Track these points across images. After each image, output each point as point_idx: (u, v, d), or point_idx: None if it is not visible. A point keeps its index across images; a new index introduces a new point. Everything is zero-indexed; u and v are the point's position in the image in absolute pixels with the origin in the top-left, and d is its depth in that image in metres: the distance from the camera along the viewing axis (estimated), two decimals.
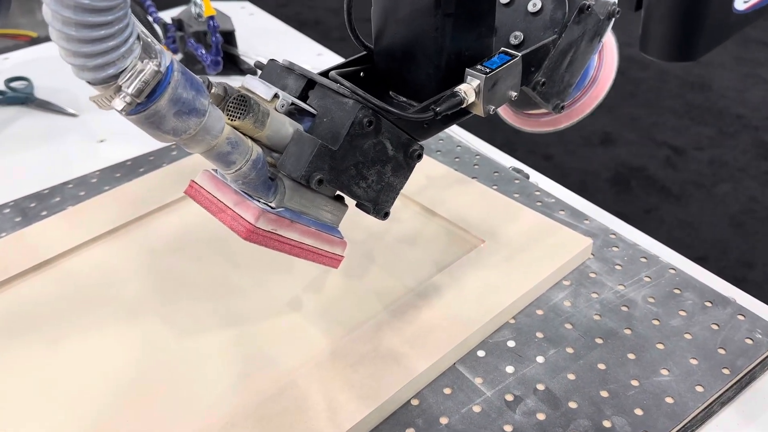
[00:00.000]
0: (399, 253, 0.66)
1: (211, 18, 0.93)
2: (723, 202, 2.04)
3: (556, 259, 0.62)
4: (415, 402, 0.53)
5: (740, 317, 0.58)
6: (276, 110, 0.47)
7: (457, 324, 0.57)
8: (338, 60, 1.09)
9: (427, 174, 0.74)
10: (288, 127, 0.47)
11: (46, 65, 1.11)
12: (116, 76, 0.38)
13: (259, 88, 0.48)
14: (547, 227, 0.66)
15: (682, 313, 0.59)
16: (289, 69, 0.52)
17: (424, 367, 0.53)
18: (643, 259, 0.64)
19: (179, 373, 0.55)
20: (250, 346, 0.57)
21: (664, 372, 0.54)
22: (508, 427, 0.50)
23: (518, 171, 0.78)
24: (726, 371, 0.53)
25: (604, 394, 0.52)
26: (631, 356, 0.55)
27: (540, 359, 0.55)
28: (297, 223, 0.50)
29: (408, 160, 0.52)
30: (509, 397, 0.53)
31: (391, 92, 0.56)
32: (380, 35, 0.54)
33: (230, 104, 0.44)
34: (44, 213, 0.74)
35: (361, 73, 0.56)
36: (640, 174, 2.18)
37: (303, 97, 0.50)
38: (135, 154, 0.85)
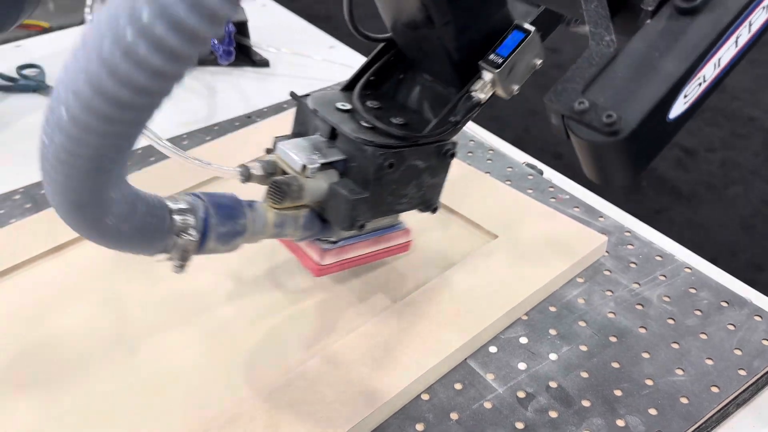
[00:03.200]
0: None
1: None
2: (734, 204, 2.02)
3: (570, 256, 0.61)
4: (425, 397, 0.52)
5: (757, 318, 0.57)
6: (308, 177, 0.50)
7: (468, 319, 0.56)
8: (350, 53, 1.08)
9: None
10: (322, 184, 0.51)
11: (58, 53, 1.11)
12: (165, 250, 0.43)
13: (289, 158, 0.51)
14: (561, 223, 0.66)
15: (697, 312, 0.58)
16: (315, 112, 0.53)
17: (435, 361, 0.52)
18: (658, 258, 0.63)
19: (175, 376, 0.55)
20: (241, 348, 0.57)
21: (679, 372, 0.53)
22: (519, 425, 0.50)
23: (532, 167, 0.77)
24: (742, 372, 0.53)
25: (618, 393, 0.52)
26: (645, 355, 0.54)
27: (553, 356, 0.55)
28: (358, 242, 0.56)
29: (442, 160, 0.53)
30: (521, 394, 0.52)
31: (425, 74, 0.55)
32: (395, 33, 0.54)
33: (269, 191, 0.50)
34: None
35: (392, 58, 0.56)
36: (651, 174, 2.16)
37: (334, 135, 0.52)
38: (146, 142, 0.84)
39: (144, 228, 0.41)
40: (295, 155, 0.50)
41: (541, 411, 0.51)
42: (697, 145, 2.27)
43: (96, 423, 0.50)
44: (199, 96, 0.97)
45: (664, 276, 0.61)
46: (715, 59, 0.37)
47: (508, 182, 0.73)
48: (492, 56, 0.50)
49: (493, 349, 0.56)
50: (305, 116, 0.55)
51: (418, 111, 0.56)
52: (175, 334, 0.57)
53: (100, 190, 0.35)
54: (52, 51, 1.11)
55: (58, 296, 0.61)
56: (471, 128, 0.86)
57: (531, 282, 0.59)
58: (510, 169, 0.76)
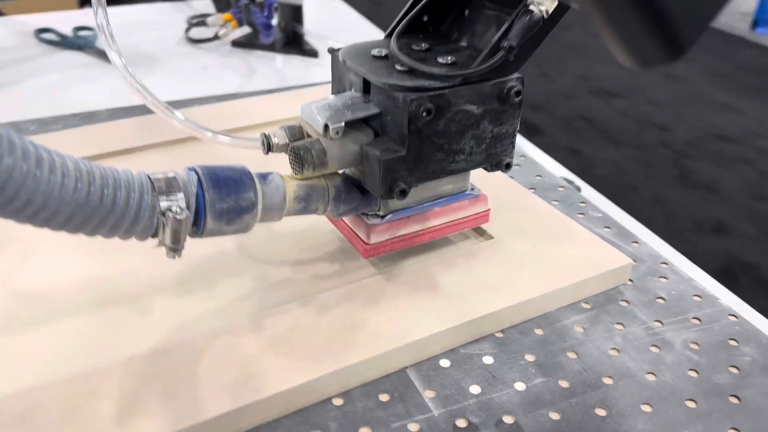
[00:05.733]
0: None
1: None
2: None
3: (578, 274, 0.48)
4: (337, 402, 0.40)
5: None
6: (332, 138, 0.42)
7: (423, 320, 0.43)
8: None
9: None
10: (350, 145, 0.42)
11: (122, 24, 1.09)
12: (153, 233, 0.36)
13: (313, 119, 0.42)
14: (577, 235, 0.52)
15: (732, 369, 0.43)
16: (344, 63, 0.44)
17: (357, 359, 0.40)
18: (696, 298, 0.48)
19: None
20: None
21: None
22: None
23: (570, 182, 0.64)
24: None
25: None
26: (645, 408, 0.40)
27: (519, 386, 0.41)
28: (414, 215, 0.47)
29: (506, 102, 0.43)
30: (461, 423, 0.39)
31: (486, 2, 0.45)
32: None
33: (290, 158, 0.42)
34: None
35: None
36: (751, 271, 1.92)
37: (368, 88, 0.43)
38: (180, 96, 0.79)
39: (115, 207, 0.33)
40: (319, 115, 0.42)
41: None
42: None
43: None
44: (234, 72, 0.90)
45: (698, 319, 0.46)
46: None
47: (533, 190, 0.61)
48: None
49: (445, 362, 0.43)
50: (340, 72, 0.46)
51: (475, 47, 0.45)
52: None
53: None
54: (116, 21, 1.09)
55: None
56: None
57: (513, 293, 0.46)
58: (539, 178, 0.63)
